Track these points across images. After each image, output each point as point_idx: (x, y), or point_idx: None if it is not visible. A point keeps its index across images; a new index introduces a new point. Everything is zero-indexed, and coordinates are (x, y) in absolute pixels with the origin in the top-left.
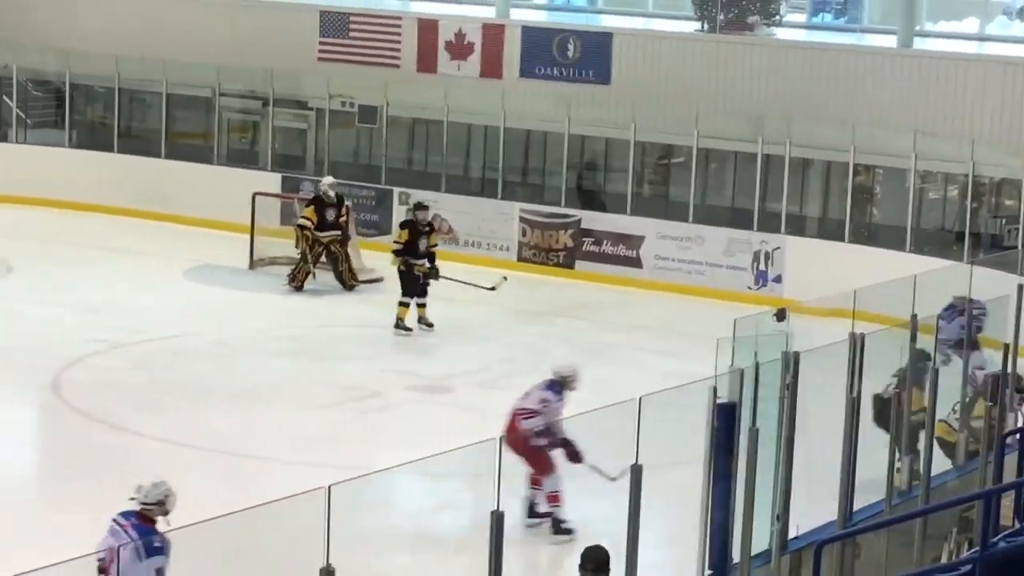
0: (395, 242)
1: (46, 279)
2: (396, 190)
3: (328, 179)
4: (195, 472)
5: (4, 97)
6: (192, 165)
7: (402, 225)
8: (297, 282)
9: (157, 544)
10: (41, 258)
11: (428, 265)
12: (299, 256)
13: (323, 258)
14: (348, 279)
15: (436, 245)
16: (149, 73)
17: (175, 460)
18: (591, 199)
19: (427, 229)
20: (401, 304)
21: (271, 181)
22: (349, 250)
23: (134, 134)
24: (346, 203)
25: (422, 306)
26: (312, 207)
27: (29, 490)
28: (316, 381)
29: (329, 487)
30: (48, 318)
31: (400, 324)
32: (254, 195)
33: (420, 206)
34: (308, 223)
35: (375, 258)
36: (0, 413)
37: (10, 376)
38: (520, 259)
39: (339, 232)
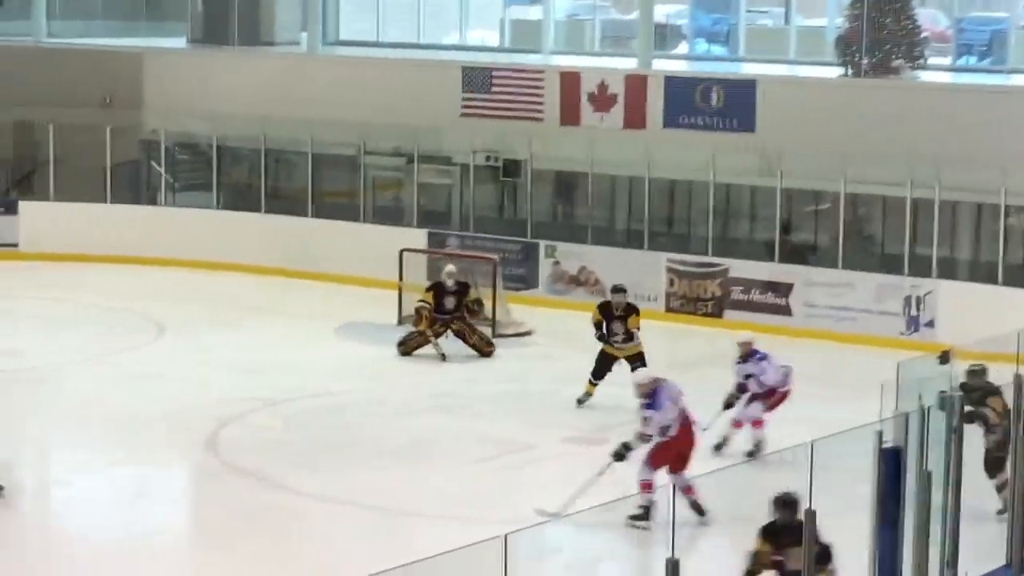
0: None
1: (197, 340)
2: (542, 243)
3: (450, 267)
4: (355, 530)
5: (152, 162)
6: (339, 223)
7: (598, 306)
8: (407, 348)
9: None
10: (192, 319)
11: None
12: (416, 329)
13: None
14: (483, 348)
15: (638, 328)
16: (294, 134)
17: (334, 518)
18: (736, 248)
19: (621, 313)
20: (589, 382)
21: (417, 237)
22: (497, 306)
23: (280, 194)
24: (476, 297)
25: None
26: (432, 292)
27: (194, 552)
28: (469, 436)
29: (506, 536)
30: (201, 378)
31: (581, 400)
32: (401, 251)
33: (616, 289)
34: (426, 306)
35: (523, 312)
36: (160, 474)
37: (167, 437)
38: (668, 309)
39: (459, 314)
